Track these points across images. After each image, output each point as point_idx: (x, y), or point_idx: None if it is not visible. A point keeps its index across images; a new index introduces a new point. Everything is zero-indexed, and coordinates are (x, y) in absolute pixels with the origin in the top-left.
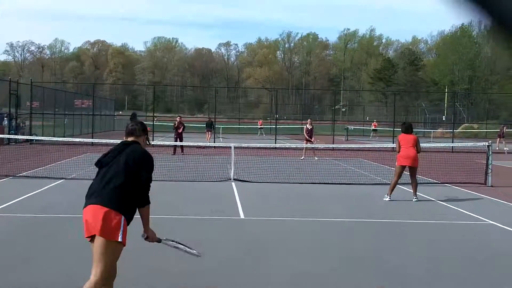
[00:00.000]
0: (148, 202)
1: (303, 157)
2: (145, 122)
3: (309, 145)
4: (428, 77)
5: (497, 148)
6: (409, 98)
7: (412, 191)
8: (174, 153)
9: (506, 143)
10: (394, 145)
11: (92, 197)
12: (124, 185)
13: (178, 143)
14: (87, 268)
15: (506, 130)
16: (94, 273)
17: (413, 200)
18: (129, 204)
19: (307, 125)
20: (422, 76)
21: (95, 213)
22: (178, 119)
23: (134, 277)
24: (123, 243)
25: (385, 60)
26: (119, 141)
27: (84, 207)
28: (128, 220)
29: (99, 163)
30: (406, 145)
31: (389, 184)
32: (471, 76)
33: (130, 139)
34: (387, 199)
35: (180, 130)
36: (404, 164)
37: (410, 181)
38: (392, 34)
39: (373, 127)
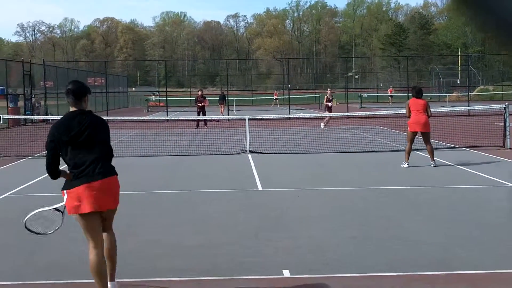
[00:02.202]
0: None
1: (323, 125)
2: (159, 98)
3: (329, 114)
4: (440, 41)
5: None
6: (422, 62)
7: (428, 156)
8: (197, 126)
9: None
10: None
11: (95, 173)
12: (110, 152)
13: (201, 117)
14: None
15: None
16: (112, 235)
17: (431, 165)
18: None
19: (327, 95)
20: (434, 39)
21: (111, 185)
22: (199, 93)
23: (153, 252)
24: None
25: (396, 25)
26: (133, 118)
27: (87, 182)
28: None
29: (70, 142)
30: (417, 110)
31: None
32: (483, 38)
33: (81, 107)
34: (405, 165)
35: (201, 104)
36: (416, 130)
37: (425, 147)
38: None
39: (389, 93)
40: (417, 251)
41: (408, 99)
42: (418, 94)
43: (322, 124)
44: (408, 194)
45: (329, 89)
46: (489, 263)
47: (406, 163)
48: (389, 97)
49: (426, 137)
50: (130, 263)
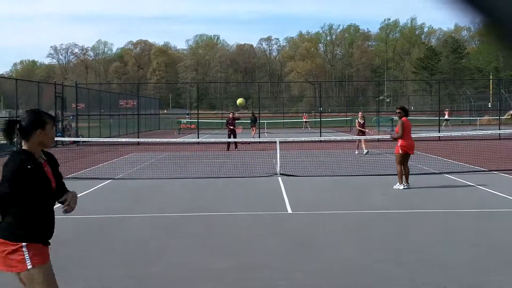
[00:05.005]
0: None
1: (357, 151)
2: (189, 120)
3: (361, 137)
4: (472, 65)
5: None
6: (454, 86)
7: (404, 178)
8: (228, 149)
9: None
10: (440, 134)
11: None
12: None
13: (232, 139)
14: (130, 271)
15: None
16: None
17: (405, 186)
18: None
19: (359, 119)
20: (466, 63)
21: None
22: (230, 115)
23: (182, 276)
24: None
25: (428, 49)
26: (164, 140)
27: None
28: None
29: None
30: (409, 133)
31: (437, 173)
32: None
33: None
34: (401, 187)
35: (232, 126)
36: (409, 153)
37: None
38: (434, 22)
39: (446, 116)
40: (448, 274)
41: (439, 122)
42: (407, 114)
43: (364, 149)
44: (438, 217)
45: (360, 113)
46: None
47: (403, 185)
48: (445, 121)
49: (408, 159)
50: (159, 287)
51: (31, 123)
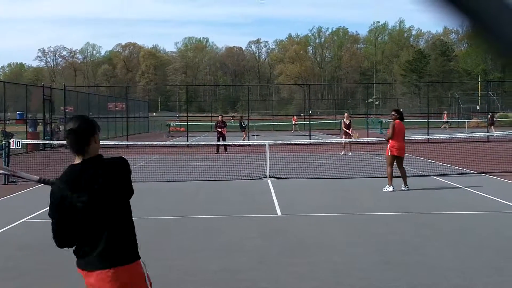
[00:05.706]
0: None
1: (343, 152)
2: (179, 123)
3: (348, 139)
4: (460, 67)
5: None
6: (442, 88)
7: (402, 180)
8: (217, 151)
9: None
10: (428, 136)
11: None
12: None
13: (221, 142)
14: None
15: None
16: None
17: (403, 188)
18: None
19: (345, 120)
20: (454, 66)
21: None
22: (219, 118)
23: (176, 277)
24: None
25: (417, 52)
26: (154, 143)
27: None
28: None
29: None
30: (400, 135)
31: (426, 176)
32: (504, 65)
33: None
34: (390, 189)
35: (220, 129)
36: (398, 155)
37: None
38: (423, 25)
39: (445, 119)
40: (438, 276)
41: (428, 125)
42: (402, 117)
43: (349, 151)
44: (427, 219)
45: (346, 113)
46: None
47: (392, 187)
48: (445, 123)
49: (401, 161)
50: None
51: (88, 130)
